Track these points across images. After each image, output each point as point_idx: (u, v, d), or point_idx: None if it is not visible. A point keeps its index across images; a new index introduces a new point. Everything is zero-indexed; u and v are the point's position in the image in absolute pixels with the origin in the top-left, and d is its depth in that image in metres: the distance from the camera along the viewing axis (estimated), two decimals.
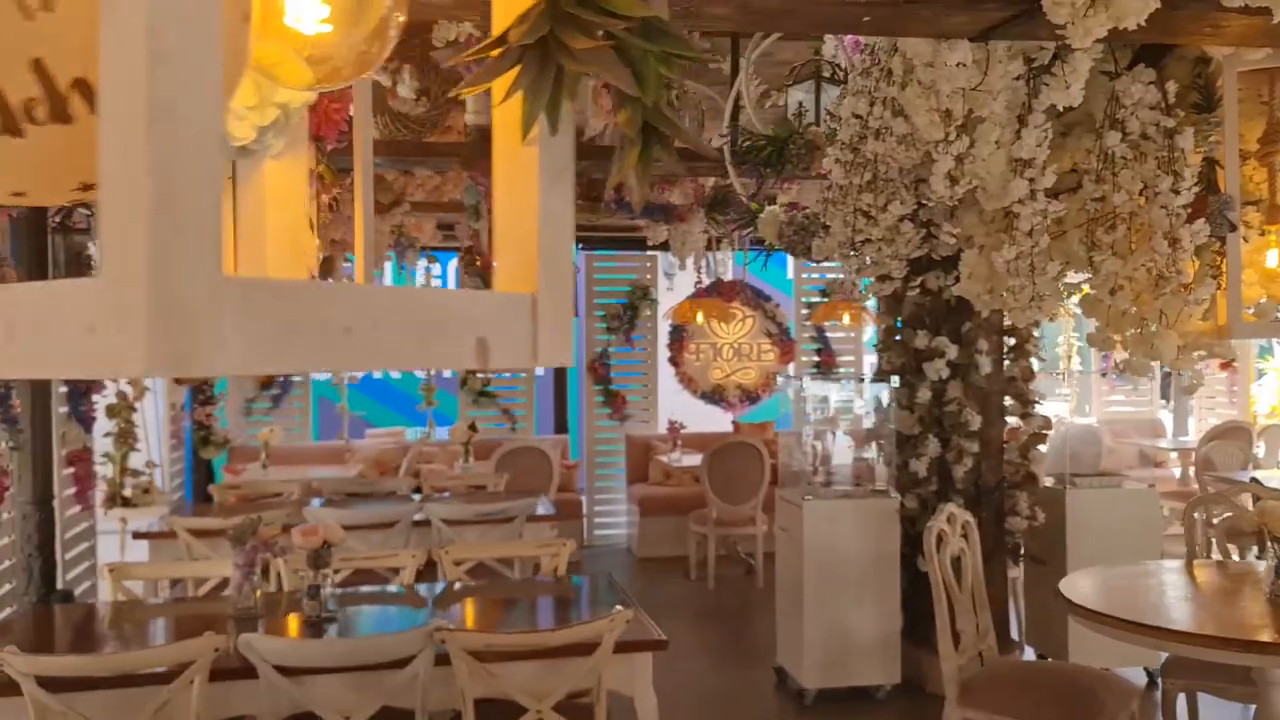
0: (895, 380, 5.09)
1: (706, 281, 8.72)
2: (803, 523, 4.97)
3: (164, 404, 7.62)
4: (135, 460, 6.77)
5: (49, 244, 4.82)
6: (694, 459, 7.76)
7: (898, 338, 5.22)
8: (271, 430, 7.50)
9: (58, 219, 4.83)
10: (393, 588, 3.81)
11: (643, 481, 8.87)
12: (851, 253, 3.64)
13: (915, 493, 5.02)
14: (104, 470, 6.43)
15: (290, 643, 2.68)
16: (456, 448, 7.79)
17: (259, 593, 3.30)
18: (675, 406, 9.52)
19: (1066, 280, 3.49)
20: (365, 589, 3.86)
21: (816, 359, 9.58)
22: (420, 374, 8.97)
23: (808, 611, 4.97)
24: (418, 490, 6.36)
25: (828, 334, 9.60)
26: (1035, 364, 5.29)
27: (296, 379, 8.75)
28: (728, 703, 5.22)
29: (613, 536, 9.12)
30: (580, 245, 9.25)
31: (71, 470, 5.31)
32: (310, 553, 3.23)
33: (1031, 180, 3.23)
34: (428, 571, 4.19)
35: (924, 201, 3.39)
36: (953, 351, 4.94)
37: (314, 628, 3.20)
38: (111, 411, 6.32)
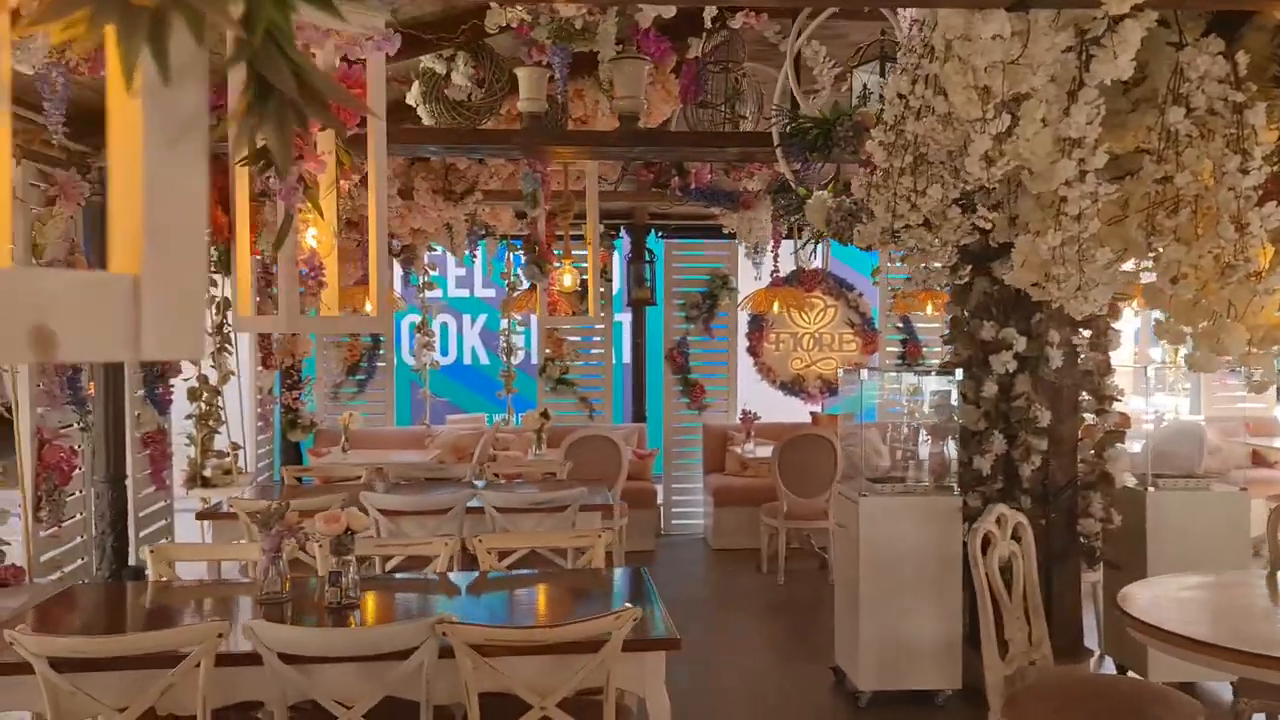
0: (960, 373, 4.87)
1: (783, 270, 8.52)
2: (859, 519, 4.80)
3: (250, 387, 7.84)
4: (220, 443, 6.99)
5: None
6: (768, 450, 7.61)
7: (967, 329, 4.99)
8: (350, 414, 7.65)
9: None
10: (432, 574, 3.80)
11: (719, 472, 8.76)
12: (893, 239, 3.48)
13: (979, 491, 4.80)
14: (189, 452, 6.67)
15: (291, 630, 2.69)
16: (530, 435, 7.81)
17: (287, 578, 3.33)
18: (754, 397, 9.37)
19: (1124, 268, 3.26)
20: (401, 576, 3.87)
21: (901, 350, 9.30)
22: (501, 360, 9.04)
23: (864, 611, 4.80)
24: (488, 476, 6.40)
25: (914, 325, 9.31)
26: (1120, 356, 5.00)
27: (380, 364, 8.91)
28: (783, 701, 5.09)
29: (689, 527, 9.04)
30: (659, 233, 9.17)
31: (147, 452, 5.50)
32: (332, 539, 3.24)
33: (1081, 161, 3.01)
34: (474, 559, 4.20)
35: (966, 184, 3.21)
36: (1021, 343, 4.69)
37: (336, 615, 3.22)
38: (193, 395, 6.53)
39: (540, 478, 6.37)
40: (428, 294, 8.95)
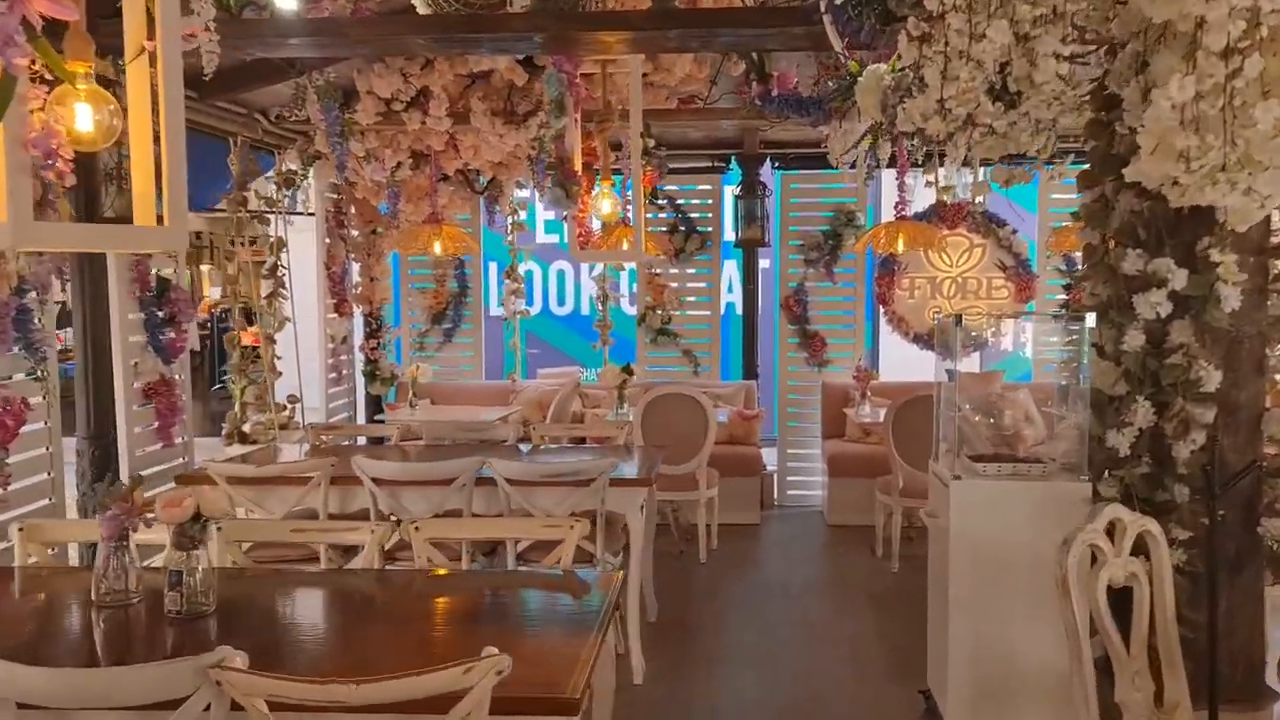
0: (1093, 319, 3.65)
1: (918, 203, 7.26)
2: (951, 507, 3.70)
3: (321, 336, 7.32)
4: (278, 397, 6.48)
5: None
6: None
7: (1105, 260, 3.74)
8: (418, 367, 7.00)
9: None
10: (360, 565, 3.00)
11: (839, 437, 7.65)
12: (952, 122, 2.38)
13: (1116, 475, 3.58)
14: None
15: (18, 670, 1.92)
16: (612, 392, 6.95)
17: (138, 575, 2.60)
18: (890, 351, 8.19)
19: None
20: (311, 570, 3.09)
21: (1065, 297, 7.86)
22: (597, 308, 8.20)
23: (956, 626, 3.71)
24: (537, 439, 5.58)
25: (1078, 266, 7.83)
26: None
27: (468, 312, 8.25)
28: None
29: (805, 498, 7.98)
30: (775, 163, 8.06)
31: (151, 405, 4.97)
32: (174, 529, 2.48)
33: None
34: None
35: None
36: (1180, 278, 3.42)
37: (178, 627, 2.46)
38: (230, 343, 6.01)
39: (598, 441, 5.50)
40: (518, 236, 8.18)
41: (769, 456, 7.82)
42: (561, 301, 11.14)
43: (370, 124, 6.07)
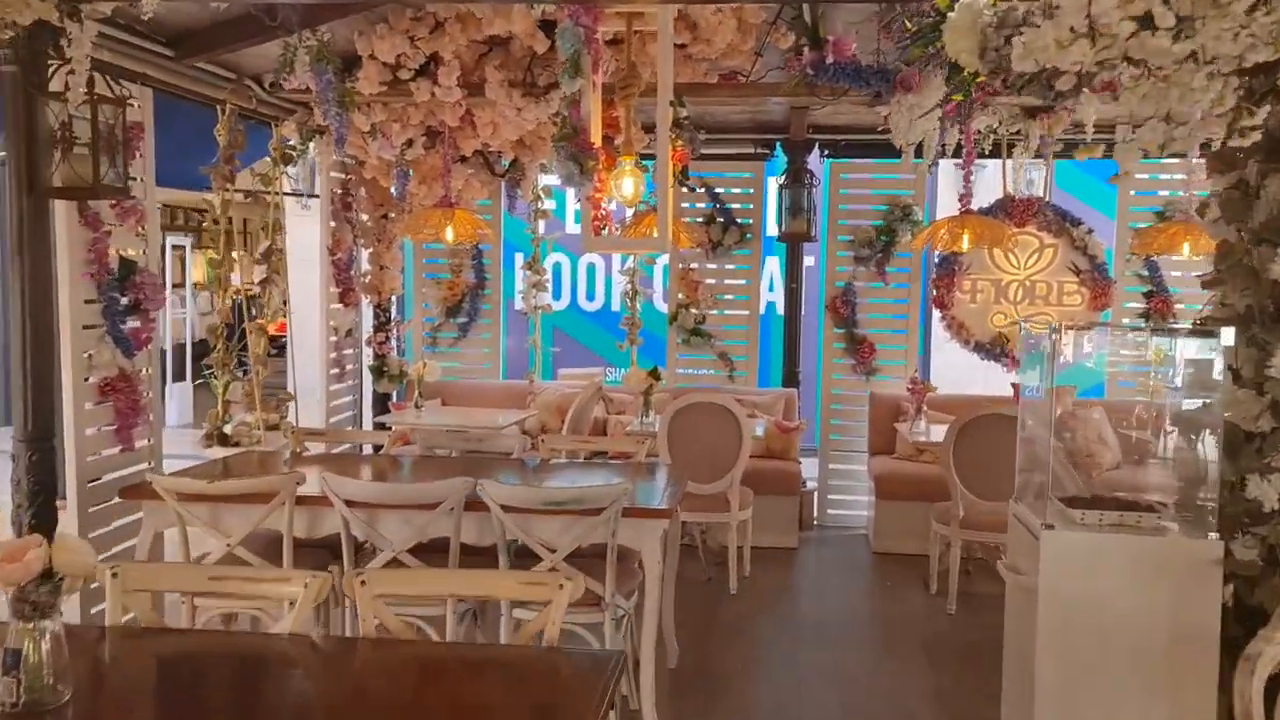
0: (1228, 335, 2.92)
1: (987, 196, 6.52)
2: (1041, 562, 2.98)
3: (323, 328, 6.72)
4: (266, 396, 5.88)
5: None
6: (944, 431, 5.74)
7: (1245, 261, 3.01)
8: (426, 364, 6.37)
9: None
10: (284, 630, 2.34)
11: (888, 454, 6.93)
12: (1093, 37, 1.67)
13: (1255, 533, 2.86)
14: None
15: None
16: (638, 398, 6.28)
17: None
18: (942, 361, 7.45)
19: None
20: (230, 632, 2.45)
21: (1145, 305, 7.07)
22: (628, 304, 7.52)
23: (1042, 707, 3.00)
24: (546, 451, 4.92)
25: (1163, 272, 7.05)
26: None
27: (486, 306, 7.60)
28: None
29: (849, 519, 7.26)
30: (824, 151, 7.33)
31: (109, 402, 4.37)
32: (12, 592, 1.84)
33: None
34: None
35: None
36: None
37: None
38: (212, 332, 5.41)
39: (617, 457, 4.83)
40: (542, 225, 7.53)
41: (808, 467, 7.10)
42: (591, 296, 10.48)
43: (374, 94, 5.43)
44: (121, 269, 4.43)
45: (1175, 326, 5.03)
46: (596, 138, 3.81)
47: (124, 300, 4.45)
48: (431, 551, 3.75)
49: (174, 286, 11.54)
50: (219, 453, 5.29)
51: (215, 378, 5.38)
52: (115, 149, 3.93)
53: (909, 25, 3.52)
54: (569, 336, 10.30)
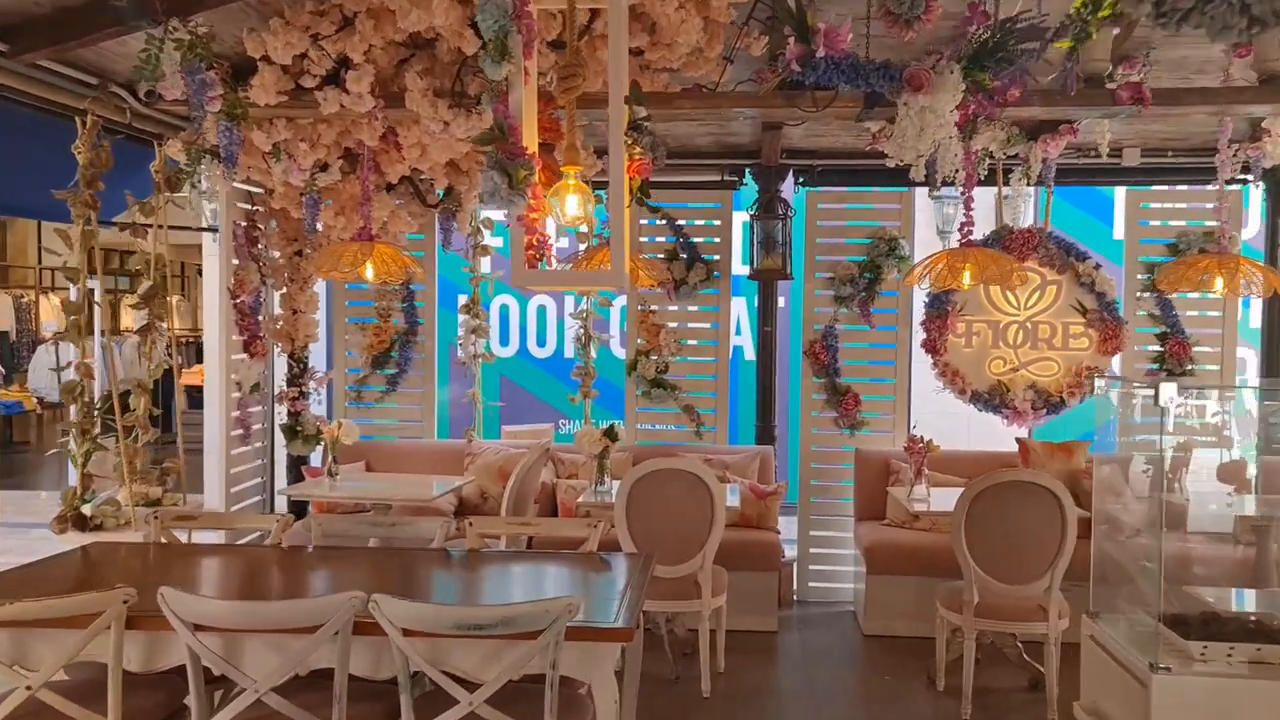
0: None
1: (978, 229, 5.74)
2: (1149, 716, 2.12)
3: (221, 385, 5.77)
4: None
5: None
6: (950, 498, 4.91)
7: None
8: (340, 424, 5.43)
9: None
10: None
11: (877, 519, 6.08)
12: None
13: None
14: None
15: None
16: (591, 461, 5.39)
17: None
18: (934, 412, 6.64)
19: None
20: None
21: (1160, 349, 6.33)
22: (579, 352, 6.63)
23: None
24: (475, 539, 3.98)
25: (1178, 312, 6.32)
26: None
27: (418, 354, 6.68)
28: None
29: (834, 593, 6.39)
30: (799, 178, 6.55)
31: None
32: None
33: None
34: None
35: None
36: None
37: None
38: (69, 391, 4.44)
39: (564, 546, 3.93)
40: (482, 262, 6.64)
41: (786, 527, 6.19)
42: (542, 342, 9.59)
43: (272, 105, 4.55)
44: None
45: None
46: (531, 141, 2.96)
47: None
48: (313, 689, 2.82)
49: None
50: (78, 540, 4.32)
51: (75, 443, 4.41)
52: None
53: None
54: (518, 387, 9.39)
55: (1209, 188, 6.16)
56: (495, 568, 3.57)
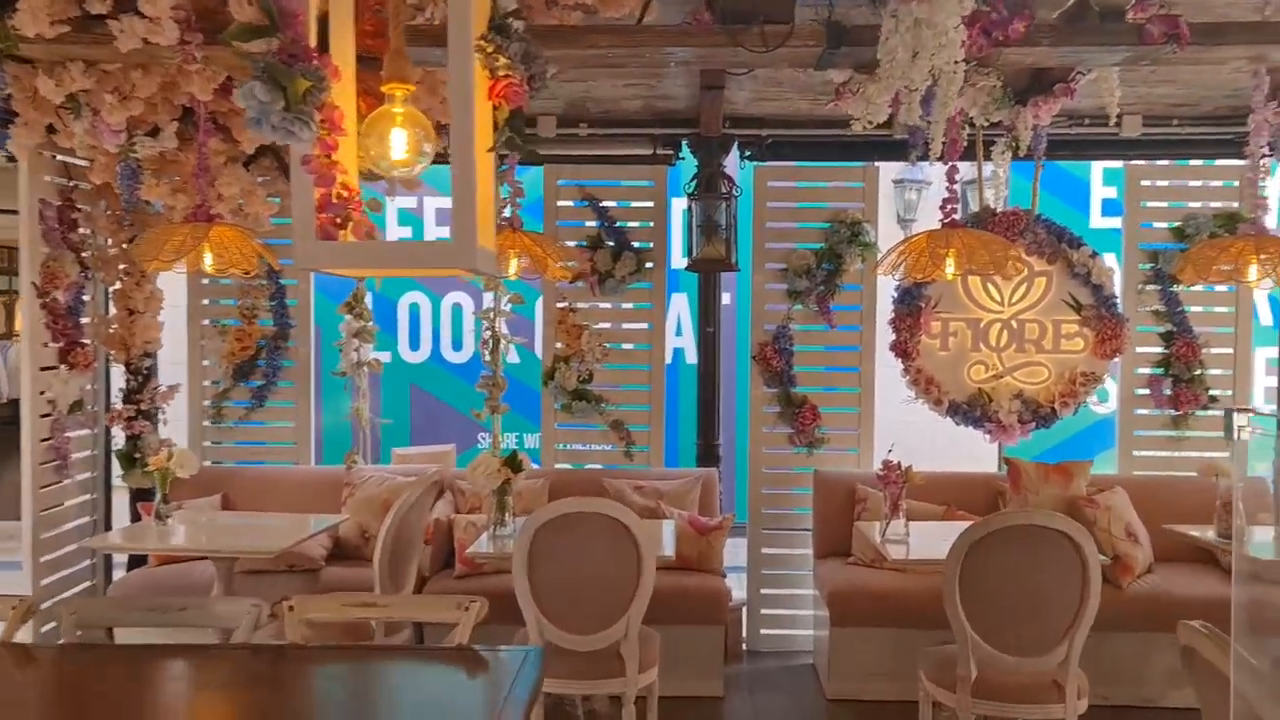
0: None
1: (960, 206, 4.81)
2: None
3: (31, 399, 4.60)
4: None
5: None
6: (936, 543, 3.93)
7: None
8: (170, 452, 4.30)
9: None
10: None
11: (841, 556, 5.09)
12: None
13: None
14: None
15: None
16: (490, 497, 4.32)
17: None
18: (904, 426, 5.65)
19: None
20: None
21: (1164, 349, 5.43)
22: (486, 358, 5.55)
23: None
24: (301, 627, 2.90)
25: (1184, 307, 5.42)
26: None
27: (288, 363, 5.56)
28: None
29: (791, 641, 5.40)
30: (745, 152, 5.55)
31: None
32: None
33: None
34: None
35: None
36: None
37: None
38: None
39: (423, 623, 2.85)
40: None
41: (734, 552, 5.17)
42: (458, 345, 8.48)
43: (48, 37, 3.43)
44: None
45: None
46: (340, 48, 1.89)
47: None
48: None
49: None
50: None
51: None
52: None
53: None
54: (431, 396, 8.28)
55: (1232, 162, 5.27)
56: (308, 680, 2.48)
